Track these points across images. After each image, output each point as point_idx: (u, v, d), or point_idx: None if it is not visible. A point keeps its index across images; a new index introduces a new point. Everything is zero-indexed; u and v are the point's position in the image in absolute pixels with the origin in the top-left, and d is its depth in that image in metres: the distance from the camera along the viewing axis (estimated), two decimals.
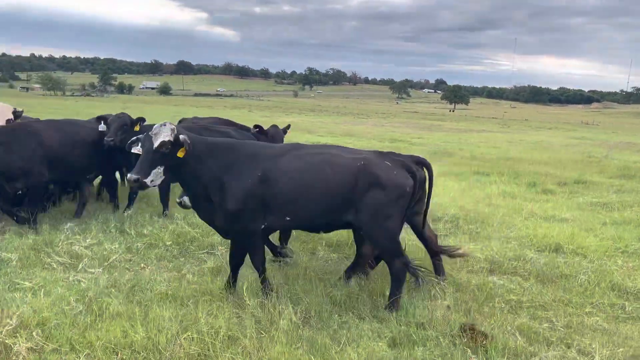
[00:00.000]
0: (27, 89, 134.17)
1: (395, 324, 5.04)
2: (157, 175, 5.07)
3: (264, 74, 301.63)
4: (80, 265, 6.03)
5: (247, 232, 5.44)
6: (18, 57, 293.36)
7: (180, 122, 10.66)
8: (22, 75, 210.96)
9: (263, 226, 5.46)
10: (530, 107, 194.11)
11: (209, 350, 4.25)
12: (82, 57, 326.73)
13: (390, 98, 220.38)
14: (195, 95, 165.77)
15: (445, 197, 11.52)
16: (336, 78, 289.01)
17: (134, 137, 5.42)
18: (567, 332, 5.24)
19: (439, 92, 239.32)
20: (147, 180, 4.99)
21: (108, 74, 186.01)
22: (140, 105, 70.04)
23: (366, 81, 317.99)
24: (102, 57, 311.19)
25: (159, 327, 4.46)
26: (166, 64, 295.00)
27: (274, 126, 10.11)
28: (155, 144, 5.01)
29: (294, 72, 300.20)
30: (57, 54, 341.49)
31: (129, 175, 5.04)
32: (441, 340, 4.76)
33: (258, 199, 5.28)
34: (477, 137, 40.34)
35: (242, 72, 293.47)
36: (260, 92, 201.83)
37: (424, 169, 5.98)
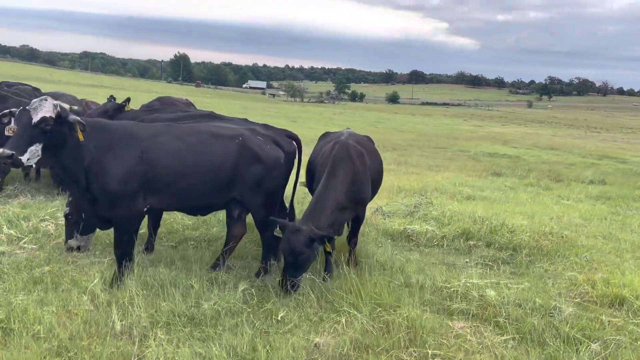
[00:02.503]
0: (274, 95, 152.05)
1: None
2: (33, 154, 4.72)
3: (498, 83, 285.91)
4: (25, 240, 6.33)
5: (130, 216, 5.28)
6: (275, 68, 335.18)
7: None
8: (275, 84, 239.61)
9: (146, 208, 5.39)
10: None
11: None
12: (326, 67, 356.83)
13: None
14: (422, 104, 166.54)
15: (538, 218, 9.19)
16: (581, 88, 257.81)
17: (5, 111, 5.03)
18: None
19: None
20: (23, 158, 4.65)
21: (343, 82, 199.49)
22: (352, 111, 73.18)
23: (620, 92, 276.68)
24: (343, 68, 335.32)
25: None
26: (400, 74, 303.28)
27: None
28: (35, 119, 4.68)
29: (532, 82, 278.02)
30: (307, 65, 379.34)
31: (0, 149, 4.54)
32: None
33: (139, 179, 5.15)
34: None
35: (475, 81, 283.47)
36: (491, 102, 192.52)
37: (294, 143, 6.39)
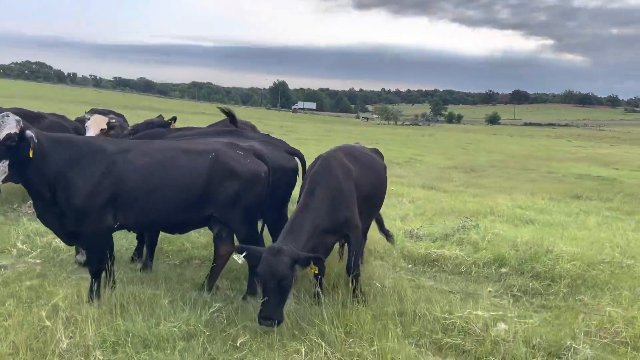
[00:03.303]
0: (367, 119, 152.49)
1: None
2: (1, 171, 4.71)
3: (612, 102, 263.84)
4: (33, 254, 6.54)
5: (97, 232, 5.18)
6: (371, 91, 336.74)
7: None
8: (370, 108, 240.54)
9: (116, 225, 5.27)
10: None
11: None
12: (423, 90, 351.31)
13: None
14: (525, 124, 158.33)
15: (598, 245, 8.03)
16: None
17: None
18: None
19: None
20: None
21: (439, 104, 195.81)
22: (444, 132, 71.10)
23: None
24: (441, 90, 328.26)
25: None
26: (501, 94, 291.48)
27: None
28: (0, 136, 4.65)
29: None
30: (404, 88, 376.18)
31: None
32: None
33: (105, 195, 5.07)
34: None
35: (584, 100, 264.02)
36: (603, 122, 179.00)
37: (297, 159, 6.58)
